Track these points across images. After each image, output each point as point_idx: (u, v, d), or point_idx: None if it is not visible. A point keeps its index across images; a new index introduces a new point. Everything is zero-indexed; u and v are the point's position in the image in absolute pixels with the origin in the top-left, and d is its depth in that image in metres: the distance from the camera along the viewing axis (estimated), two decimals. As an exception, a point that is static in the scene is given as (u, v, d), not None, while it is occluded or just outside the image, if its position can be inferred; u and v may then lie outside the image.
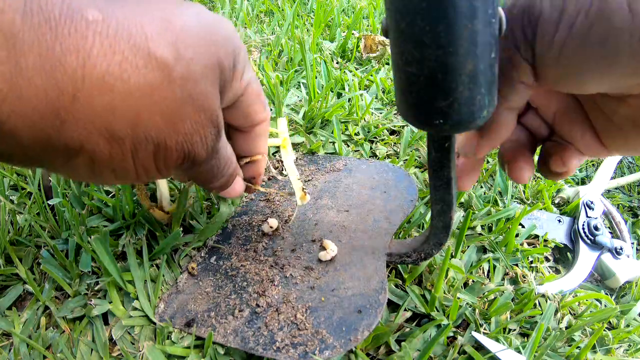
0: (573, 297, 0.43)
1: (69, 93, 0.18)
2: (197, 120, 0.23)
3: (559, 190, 0.56)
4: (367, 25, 0.91)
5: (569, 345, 0.38)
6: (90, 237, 0.37)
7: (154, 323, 0.33)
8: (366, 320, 0.32)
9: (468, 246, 0.45)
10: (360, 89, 0.64)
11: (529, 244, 0.49)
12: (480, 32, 0.19)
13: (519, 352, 0.35)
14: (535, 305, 0.41)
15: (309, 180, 0.47)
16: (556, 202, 0.55)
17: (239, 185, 0.33)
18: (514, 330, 0.39)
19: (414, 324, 0.37)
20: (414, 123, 0.24)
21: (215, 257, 0.39)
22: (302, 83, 0.63)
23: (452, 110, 0.21)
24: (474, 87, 0.21)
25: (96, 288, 0.35)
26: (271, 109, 0.55)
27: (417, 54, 0.20)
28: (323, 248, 0.38)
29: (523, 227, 0.48)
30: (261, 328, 0.32)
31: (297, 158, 0.51)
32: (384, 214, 0.41)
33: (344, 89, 0.64)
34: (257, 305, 0.34)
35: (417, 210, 0.46)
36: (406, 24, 0.20)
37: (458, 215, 0.47)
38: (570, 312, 0.42)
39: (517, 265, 0.44)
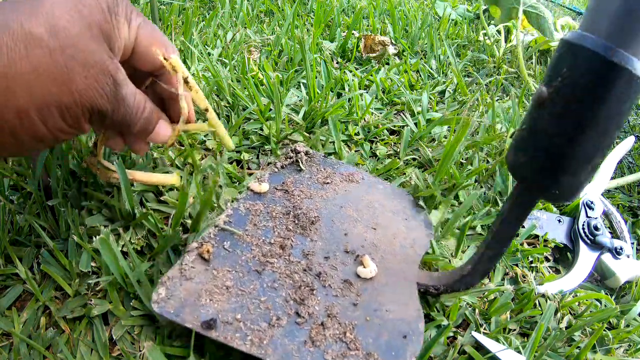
0: (573, 297, 0.43)
1: None
2: (87, 76, 0.26)
3: (559, 190, 0.56)
4: (367, 25, 0.91)
5: (569, 345, 0.38)
6: (90, 237, 0.37)
7: (155, 322, 0.33)
8: (411, 347, 0.31)
9: (468, 246, 0.45)
10: (360, 89, 0.64)
11: (529, 244, 0.49)
12: (614, 137, 0.25)
13: (519, 352, 0.35)
14: (535, 305, 0.41)
15: (327, 183, 0.45)
16: (556, 202, 0.55)
17: (163, 128, 0.35)
18: (514, 330, 0.39)
19: (414, 324, 0.37)
20: (529, 183, 0.28)
21: (229, 242, 0.36)
22: (302, 83, 0.63)
23: (569, 185, 0.27)
24: (590, 175, 0.26)
25: (96, 288, 0.35)
26: (270, 109, 0.55)
27: (571, 136, 0.25)
28: (361, 264, 0.37)
29: (523, 227, 0.48)
30: (307, 343, 0.30)
31: (309, 154, 0.49)
32: (408, 241, 0.41)
33: (344, 89, 0.64)
34: (298, 315, 0.31)
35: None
36: (575, 115, 0.25)
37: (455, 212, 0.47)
38: (570, 312, 0.42)
39: (517, 265, 0.44)
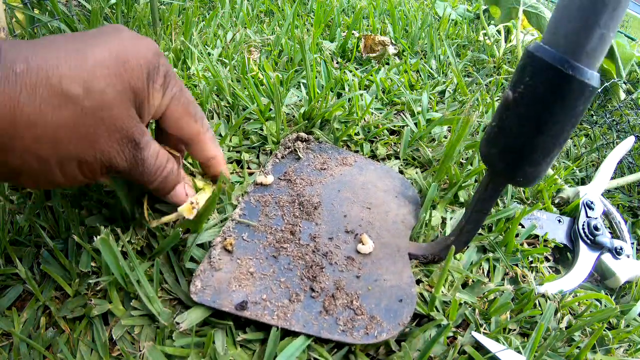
0: (573, 297, 0.43)
1: (8, 134, 0.24)
2: (111, 138, 0.28)
3: (559, 190, 0.56)
4: (367, 25, 0.91)
5: (569, 345, 0.38)
6: (91, 237, 0.37)
7: (155, 322, 0.33)
8: (407, 308, 0.36)
9: (468, 246, 0.45)
10: (360, 89, 0.64)
11: (529, 244, 0.49)
12: (570, 134, 0.29)
13: (519, 352, 0.35)
14: (535, 305, 0.41)
15: (324, 169, 0.49)
16: (556, 202, 0.55)
17: (182, 192, 0.36)
18: (514, 330, 0.39)
19: (414, 324, 0.37)
20: (500, 172, 0.32)
21: (247, 233, 0.39)
22: (302, 83, 0.63)
23: (532, 174, 0.31)
24: (549, 163, 0.30)
25: (96, 288, 0.35)
26: (270, 109, 0.55)
27: (533, 134, 0.29)
28: (360, 241, 0.41)
29: (523, 227, 0.48)
30: (322, 312, 0.34)
31: (305, 141, 0.51)
32: (399, 217, 0.45)
33: (344, 89, 0.64)
34: (312, 290, 0.36)
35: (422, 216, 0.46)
36: (536, 117, 0.28)
37: (458, 214, 0.47)
38: (570, 312, 0.42)
39: (517, 265, 0.44)
